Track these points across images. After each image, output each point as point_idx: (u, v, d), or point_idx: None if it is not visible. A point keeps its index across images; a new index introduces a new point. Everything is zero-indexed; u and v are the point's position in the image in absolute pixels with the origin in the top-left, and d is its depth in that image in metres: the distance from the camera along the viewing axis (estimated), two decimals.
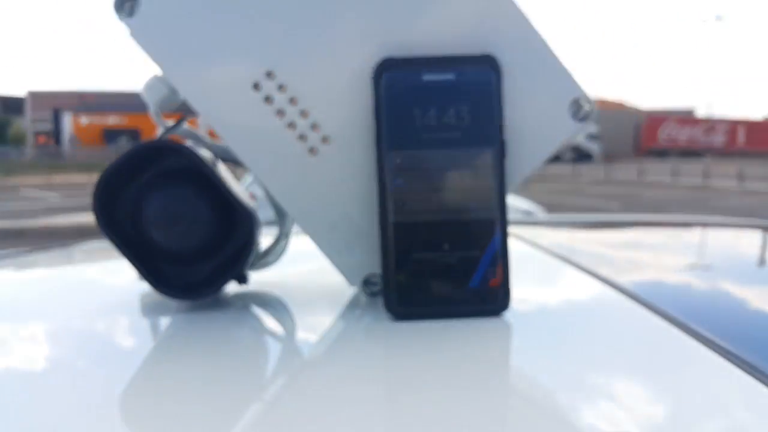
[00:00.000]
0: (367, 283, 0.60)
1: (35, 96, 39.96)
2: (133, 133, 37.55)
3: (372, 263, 0.59)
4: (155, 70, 0.59)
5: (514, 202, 2.46)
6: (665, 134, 39.00)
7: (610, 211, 10.43)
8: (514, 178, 0.58)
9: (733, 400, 0.41)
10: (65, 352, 0.52)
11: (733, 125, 40.95)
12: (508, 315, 0.56)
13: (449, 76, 0.55)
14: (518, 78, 0.57)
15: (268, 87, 0.57)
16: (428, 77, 0.55)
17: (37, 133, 38.63)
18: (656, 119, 40.68)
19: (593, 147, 31.70)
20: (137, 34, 0.57)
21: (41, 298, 0.73)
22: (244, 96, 0.57)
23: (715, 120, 41.01)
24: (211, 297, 0.61)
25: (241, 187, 0.60)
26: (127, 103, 39.07)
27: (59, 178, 21.62)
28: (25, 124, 40.62)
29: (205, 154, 0.58)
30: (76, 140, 36.38)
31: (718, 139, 39.69)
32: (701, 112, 48.82)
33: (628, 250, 1.04)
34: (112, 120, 38.02)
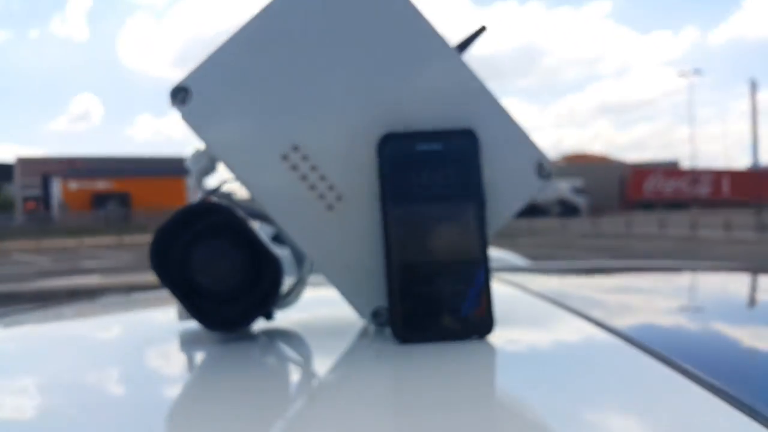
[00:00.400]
0: (375, 315, 0.71)
1: (24, 162, 39.91)
2: (123, 198, 37.49)
3: (379, 298, 0.69)
4: (198, 145, 0.71)
5: (503, 255, 2.56)
6: (651, 186, 39.27)
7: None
8: (493, 226, 0.69)
9: None
10: (124, 374, 0.63)
11: (717, 176, 41.33)
12: (500, 353, 0.65)
13: (438, 146, 0.68)
14: (493, 146, 0.69)
15: (294, 158, 0.69)
16: (421, 147, 0.68)
17: (25, 199, 38.53)
18: (641, 172, 41.02)
19: (580, 200, 31.86)
20: (187, 118, 0.69)
21: (90, 339, 0.84)
22: (275, 165, 0.69)
23: (699, 171, 41.36)
24: (243, 330, 0.73)
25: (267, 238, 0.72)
26: (117, 167, 39.13)
27: (49, 243, 21.62)
28: (14, 190, 40.56)
29: (238, 212, 0.70)
30: (65, 206, 36.32)
31: (704, 189, 39.98)
32: (686, 164, 49.29)
33: (617, 293, 1.09)
34: (101, 185, 37.92)
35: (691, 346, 0.67)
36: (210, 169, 0.73)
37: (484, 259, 0.67)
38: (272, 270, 0.69)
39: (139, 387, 0.59)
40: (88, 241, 22.45)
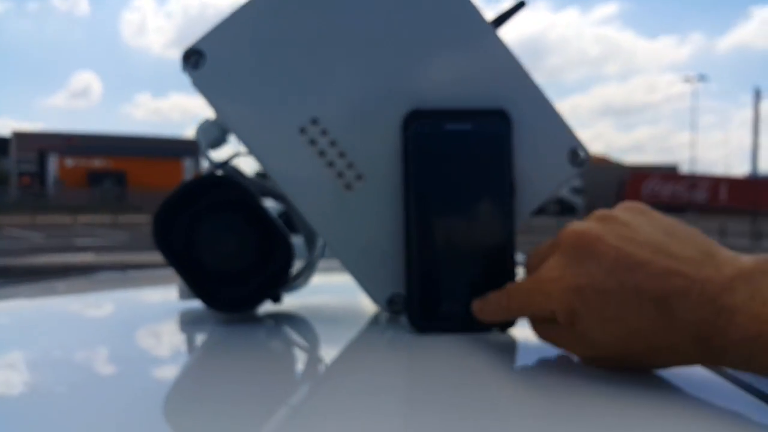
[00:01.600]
0: (390, 302, 0.67)
1: (20, 137, 39.65)
2: (119, 176, 37.43)
3: (395, 284, 0.66)
4: (208, 114, 0.67)
5: None
6: (649, 189, 39.28)
7: None
8: (521, 213, 0.65)
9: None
10: (127, 354, 0.59)
11: (715, 182, 41.36)
12: (520, 346, 0.61)
13: (467, 127, 0.63)
14: (526, 130, 0.65)
15: (313, 132, 0.65)
16: (450, 127, 0.63)
17: (20, 174, 38.31)
18: (639, 175, 41.08)
19: (577, 200, 31.87)
20: (199, 84, 0.64)
21: (83, 317, 0.80)
22: (291, 139, 0.65)
23: (698, 177, 41.39)
24: (248, 312, 0.69)
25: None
26: (114, 146, 38.98)
27: (43, 219, 21.52)
28: (9, 164, 40.33)
29: (248, 187, 0.65)
30: (60, 182, 36.21)
31: (701, 195, 40.00)
32: (685, 169, 49.22)
33: None
34: (98, 163, 37.83)
35: None
36: (220, 140, 0.68)
37: (511, 248, 0.63)
38: (283, 249, 0.65)
39: (134, 368, 0.55)
40: (83, 218, 22.34)
